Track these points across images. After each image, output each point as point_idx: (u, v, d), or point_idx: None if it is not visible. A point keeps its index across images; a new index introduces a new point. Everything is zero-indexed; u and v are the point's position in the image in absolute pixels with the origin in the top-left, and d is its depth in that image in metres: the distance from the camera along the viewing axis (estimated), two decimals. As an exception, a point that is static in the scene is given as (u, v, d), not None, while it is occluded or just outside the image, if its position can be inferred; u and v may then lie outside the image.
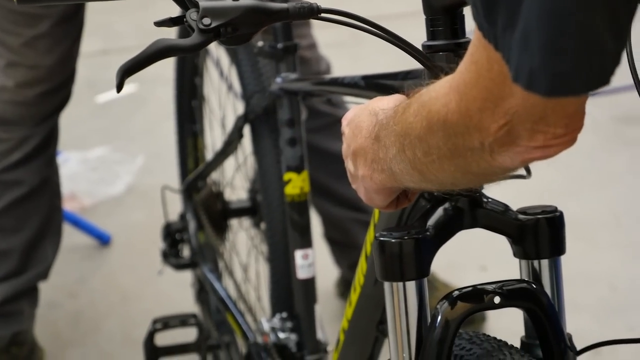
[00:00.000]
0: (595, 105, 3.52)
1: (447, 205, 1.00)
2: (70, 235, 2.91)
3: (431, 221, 0.99)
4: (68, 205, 3.08)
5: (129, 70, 0.89)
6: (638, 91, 0.90)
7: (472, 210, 1.00)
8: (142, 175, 3.36)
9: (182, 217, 2.14)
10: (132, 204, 3.21)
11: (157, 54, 0.88)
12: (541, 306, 0.99)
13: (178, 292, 2.47)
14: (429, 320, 0.98)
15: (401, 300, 0.98)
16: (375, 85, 1.18)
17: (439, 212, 1.00)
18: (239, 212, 2.01)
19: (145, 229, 2.96)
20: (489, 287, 0.97)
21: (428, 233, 0.97)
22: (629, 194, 2.98)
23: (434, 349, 0.96)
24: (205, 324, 2.09)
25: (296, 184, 1.59)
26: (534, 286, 0.99)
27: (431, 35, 0.99)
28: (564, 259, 2.96)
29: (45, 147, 2.20)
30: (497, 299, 0.97)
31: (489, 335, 1.02)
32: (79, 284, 2.78)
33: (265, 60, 1.67)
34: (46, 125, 2.17)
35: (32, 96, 2.11)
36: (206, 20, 0.88)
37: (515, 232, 1.01)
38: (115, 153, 3.51)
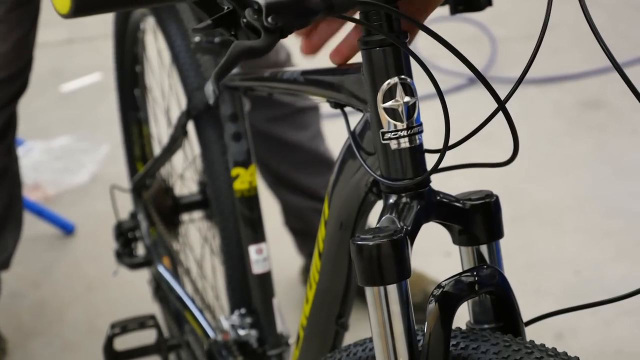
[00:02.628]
0: (560, 90, 3.54)
1: (405, 200, 0.98)
2: (34, 225, 2.90)
3: (401, 219, 0.97)
4: (32, 195, 3.07)
5: (219, 75, 0.89)
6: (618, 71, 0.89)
7: (431, 203, 0.99)
8: (107, 164, 3.34)
9: (133, 215, 2.12)
10: (96, 194, 3.19)
11: (238, 56, 0.87)
12: (507, 289, 1.00)
13: (143, 281, 2.46)
14: (414, 322, 0.97)
15: (384, 305, 0.95)
16: (313, 81, 1.16)
17: (405, 208, 0.98)
18: (191, 206, 2.00)
19: (110, 219, 2.92)
20: (468, 276, 0.97)
21: (403, 232, 0.95)
22: (593, 179, 3.00)
23: (433, 352, 0.95)
24: (167, 321, 2.08)
25: (244, 179, 1.58)
26: (498, 270, 1.00)
27: (366, 30, 0.97)
28: (527, 243, 2.98)
29: (3, 136, 2.17)
30: (476, 287, 0.97)
31: (482, 329, 1.01)
32: (43, 274, 2.76)
33: (205, 56, 1.66)
34: (2, 114, 2.14)
35: None
36: (272, 19, 0.86)
37: (466, 220, 1.00)
38: (80, 142, 3.49)
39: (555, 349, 0.94)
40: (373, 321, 0.96)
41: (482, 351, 0.95)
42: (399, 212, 0.98)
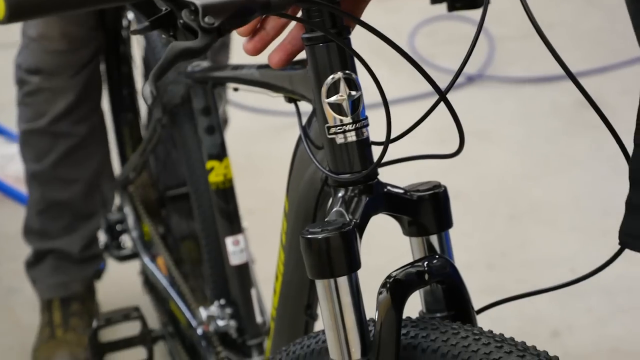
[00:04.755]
0: (557, 90, 3.54)
1: (353, 193, 0.99)
2: (31, 221, 2.89)
3: (349, 212, 0.99)
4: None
5: (156, 77, 0.90)
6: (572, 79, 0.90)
7: (379, 196, 1.01)
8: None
9: (120, 209, 2.13)
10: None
11: (176, 57, 0.88)
12: (458, 279, 1.01)
13: (134, 276, 2.46)
14: (365, 314, 0.98)
15: (334, 297, 0.96)
16: (267, 75, 1.18)
17: (353, 201, 0.99)
18: (176, 199, 2.01)
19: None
20: (418, 266, 0.99)
21: (352, 225, 0.97)
22: (591, 178, 3.00)
23: (384, 341, 0.96)
24: (157, 312, 2.08)
25: (219, 171, 1.60)
26: (449, 260, 1.02)
27: (308, 26, 0.98)
28: (524, 242, 2.98)
29: (88, 94, 2.19)
30: (426, 276, 0.99)
31: (433, 317, 1.02)
32: (40, 270, 2.76)
33: None
34: (84, 73, 2.15)
35: (74, 41, 2.08)
36: (209, 19, 0.86)
37: (415, 211, 1.02)
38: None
39: (503, 334, 0.95)
40: (324, 313, 0.98)
41: (432, 339, 0.96)
42: (347, 205, 0.99)
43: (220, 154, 1.60)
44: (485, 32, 3.91)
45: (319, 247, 0.95)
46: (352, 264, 0.96)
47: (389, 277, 0.97)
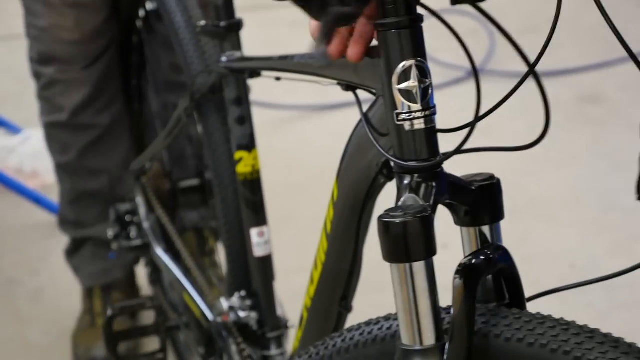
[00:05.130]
0: (557, 85, 3.54)
1: (423, 180, 0.99)
2: (31, 213, 2.90)
3: (421, 198, 0.99)
4: (30, 183, 3.08)
5: (321, 39, 0.93)
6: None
7: (445, 184, 1.00)
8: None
9: (131, 199, 2.13)
10: (94, 182, 3.19)
11: (336, 22, 0.91)
12: (515, 267, 1.01)
13: (140, 268, 2.47)
14: (439, 300, 0.98)
15: (409, 282, 0.96)
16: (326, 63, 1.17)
17: (424, 188, 0.99)
18: (188, 191, 2.02)
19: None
20: (485, 253, 0.99)
21: (429, 210, 0.97)
22: (590, 173, 3.01)
23: (459, 327, 0.95)
24: (162, 304, 2.08)
25: (247, 162, 1.60)
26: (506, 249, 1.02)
27: (383, 12, 0.97)
28: (524, 237, 2.98)
29: (105, 85, 2.18)
30: (493, 264, 0.99)
31: (503, 305, 1.01)
32: (40, 262, 2.77)
33: (209, 39, 1.67)
34: (99, 65, 2.15)
35: (88, 32, 2.08)
36: None
37: (474, 201, 1.02)
38: (77, 130, 3.48)
39: (587, 325, 0.94)
40: (398, 298, 0.97)
41: (516, 328, 0.95)
42: (419, 191, 0.99)
43: (250, 144, 1.60)
44: (486, 27, 3.91)
45: (397, 231, 0.95)
46: (429, 249, 0.96)
47: (460, 264, 0.97)
